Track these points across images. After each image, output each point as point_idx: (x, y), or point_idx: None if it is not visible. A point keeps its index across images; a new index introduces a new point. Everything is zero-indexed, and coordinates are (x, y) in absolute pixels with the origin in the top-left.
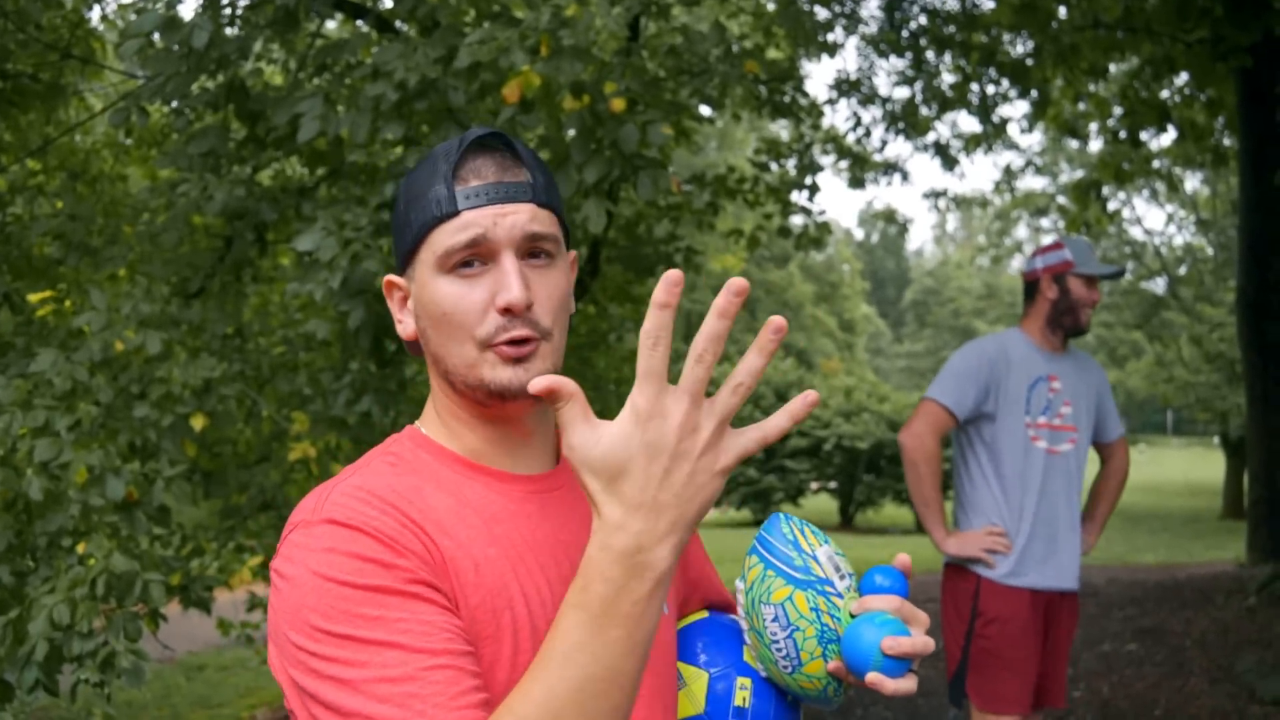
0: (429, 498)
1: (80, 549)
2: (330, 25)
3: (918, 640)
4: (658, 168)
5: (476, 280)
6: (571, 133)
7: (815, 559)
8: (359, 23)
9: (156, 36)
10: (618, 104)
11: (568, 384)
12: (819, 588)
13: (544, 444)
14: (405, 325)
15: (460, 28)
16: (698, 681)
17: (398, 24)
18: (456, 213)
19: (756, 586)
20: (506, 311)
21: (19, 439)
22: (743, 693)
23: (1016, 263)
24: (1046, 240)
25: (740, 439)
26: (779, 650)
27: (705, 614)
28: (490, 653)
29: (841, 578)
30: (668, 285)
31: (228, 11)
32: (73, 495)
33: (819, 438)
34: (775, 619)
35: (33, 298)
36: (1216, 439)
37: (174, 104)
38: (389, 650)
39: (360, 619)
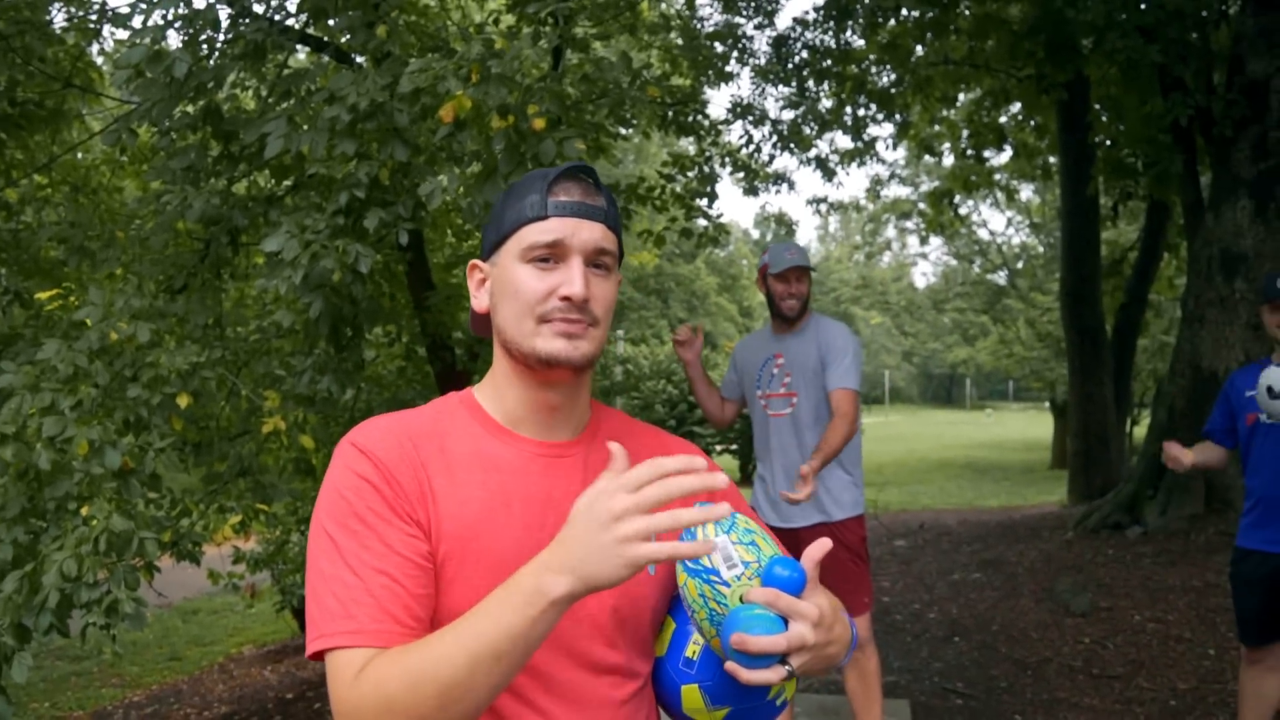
0: (448, 441)
1: (84, 511)
2: (299, 56)
3: (766, 640)
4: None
5: (548, 273)
6: (499, 147)
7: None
8: (321, 55)
9: (144, 68)
10: (539, 123)
11: (621, 454)
12: (704, 576)
13: (570, 417)
14: (479, 300)
15: (405, 59)
16: (668, 629)
17: (354, 56)
18: (546, 216)
19: (678, 572)
20: (566, 300)
21: (29, 417)
22: (694, 646)
23: (886, 258)
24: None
25: (653, 548)
26: (694, 628)
27: None
28: (452, 572)
29: (731, 566)
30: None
31: (205, 46)
32: (76, 465)
33: None
34: (685, 600)
35: (41, 295)
36: (1047, 404)
37: (159, 126)
38: (355, 555)
39: (345, 527)
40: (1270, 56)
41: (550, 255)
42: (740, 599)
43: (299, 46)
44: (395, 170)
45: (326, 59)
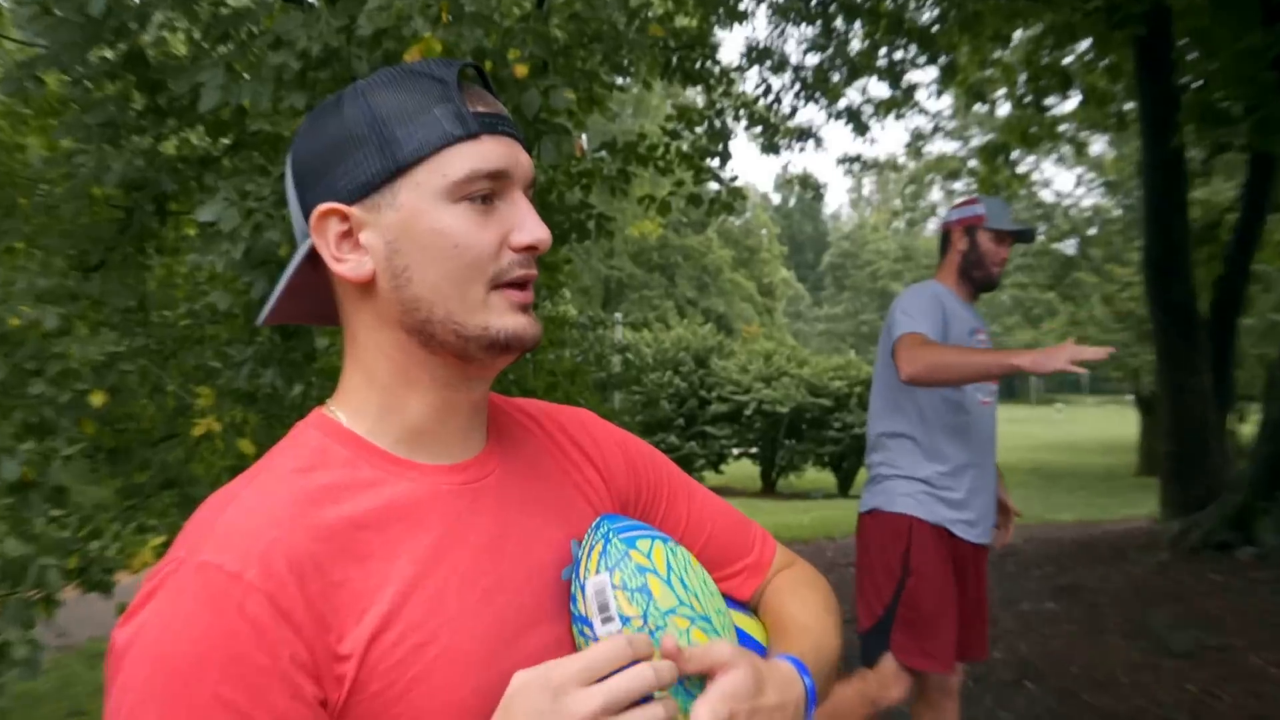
0: (344, 508)
1: None
2: None
3: None
4: (561, 133)
5: (489, 214)
6: None
7: (582, 589)
8: None
9: (52, 4)
10: (520, 70)
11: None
12: (579, 626)
13: (482, 418)
14: (353, 264)
15: None
16: None
17: None
18: (477, 135)
19: None
20: (529, 250)
21: None
22: None
23: (932, 225)
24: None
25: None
26: None
27: None
28: (412, 678)
29: (606, 620)
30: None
31: None
32: None
33: (739, 403)
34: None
35: None
36: (1130, 397)
37: (72, 73)
38: None
39: None
40: None
41: (490, 191)
42: None
43: None
44: None
45: None
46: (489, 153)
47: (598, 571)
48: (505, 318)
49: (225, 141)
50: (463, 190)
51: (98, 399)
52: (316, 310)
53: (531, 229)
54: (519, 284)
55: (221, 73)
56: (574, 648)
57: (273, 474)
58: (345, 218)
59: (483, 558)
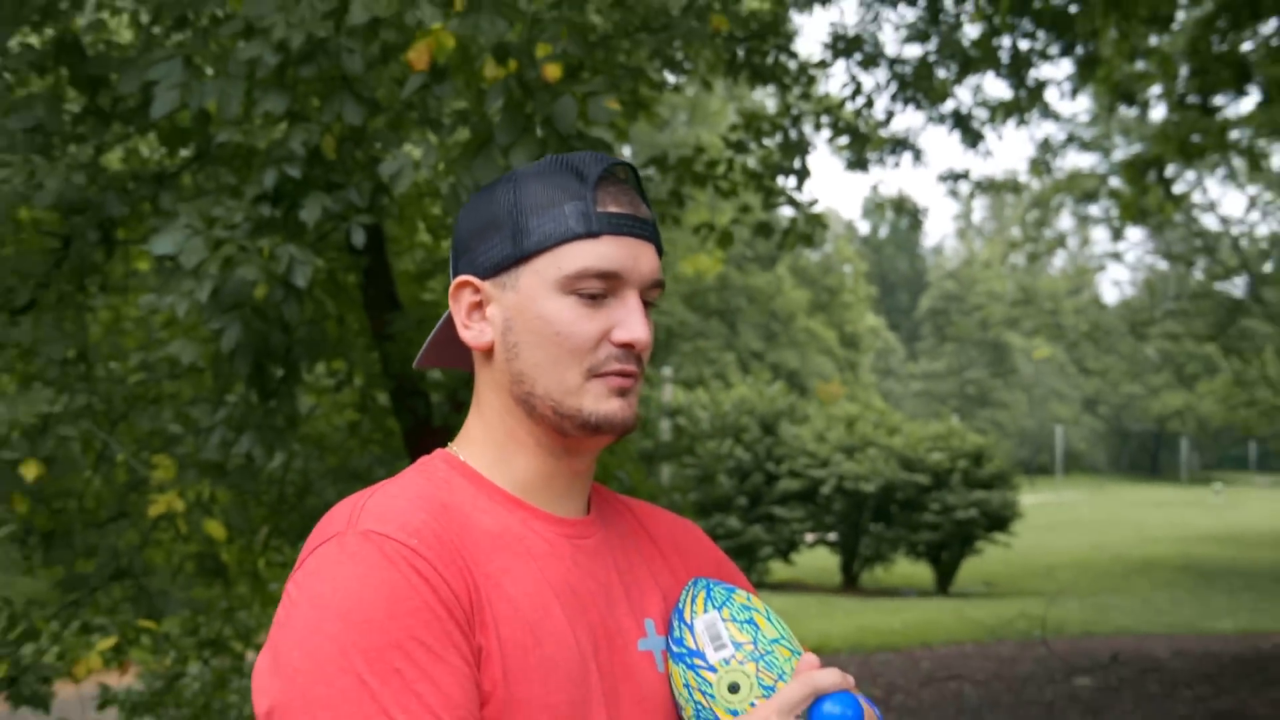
0: (471, 519)
1: None
2: None
3: None
4: (603, 150)
5: (597, 310)
6: (495, 106)
7: (690, 628)
8: None
9: None
10: (552, 71)
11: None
12: (688, 661)
13: (585, 488)
14: (476, 333)
15: None
16: None
17: None
18: (598, 235)
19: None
20: (626, 347)
21: None
22: None
23: (1059, 261)
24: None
25: None
26: None
27: None
28: (523, 691)
29: (719, 648)
30: None
31: None
32: None
33: (815, 479)
34: (673, 692)
35: None
36: None
37: None
38: (398, 709)
39: (376, 668)
40: None
41: (604, 290)
42: (729, 688)
43: None
44: (345, 138)
45: None
46: (606, 253)
47: (705, 611)
48: (600, 403)
49: (185, 154)
50: (573, 285)
51: (31, 471)
52: (466, 361)
53: (632, 328)
54: (617, 375)
55: (179, 68)
56: (667, 684)
57: (403, 484)
58: (477, 290)
59: (577, 602)
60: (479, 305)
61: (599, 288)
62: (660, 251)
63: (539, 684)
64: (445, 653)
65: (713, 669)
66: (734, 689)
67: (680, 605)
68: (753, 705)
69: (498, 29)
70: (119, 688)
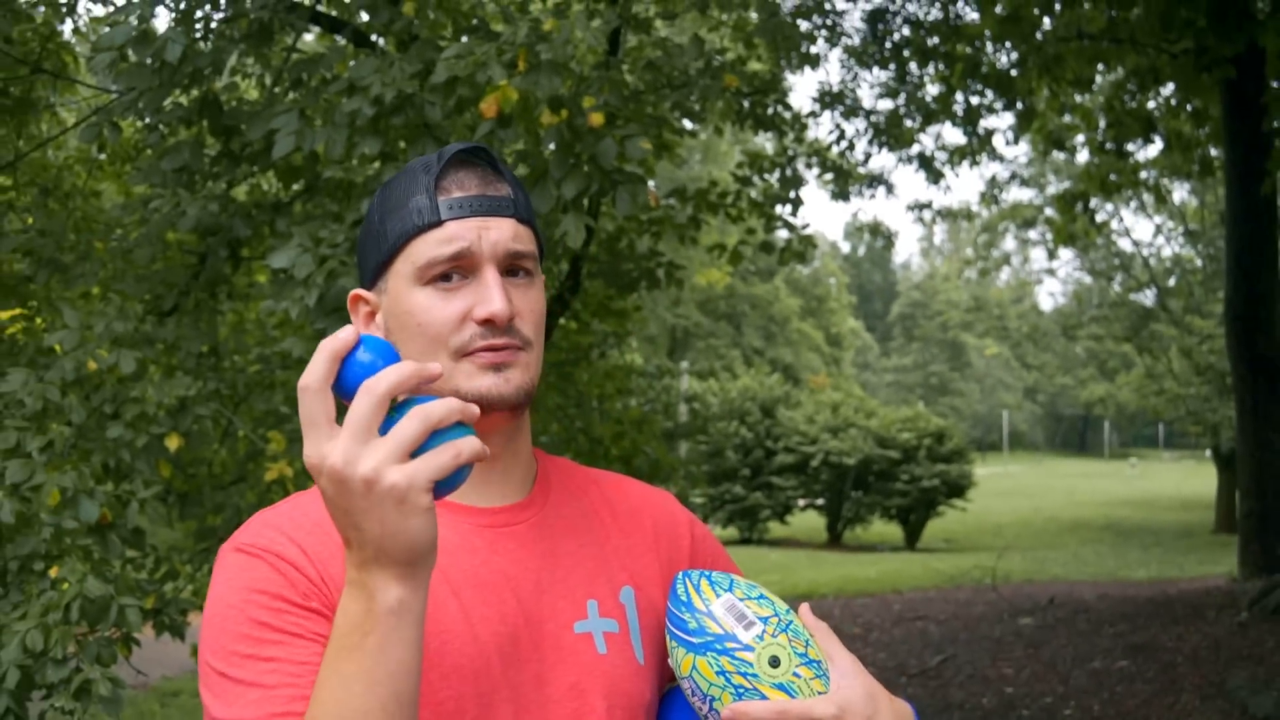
0: None
1: (53, 573)
2: (308, 39)
3: None
4: (636, 182)
5: (455, 293)
6: (550, 147)
7: (710, 615)
8: (337, 37)
9: (129, 50)
10: (596, 119)
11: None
12: (719, 647)
13: (511, 474)
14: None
15: (437, 42)
16: None
17: (375, 39)
18: (440, 223)
19: (672, 660)
20: (487, 323)
21: None
22: None
23: (1004, 275)
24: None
25: (415, 468)
26: None
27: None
28: None
29: (748, 626)
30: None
31: (201, 25)
32: (45, 518)
33: (806, 454)
34: (693, 692)
35: (2, 315)
36: (1208, 452)
37: (147, 119)
38: (252, 689)
39: (235, 656)
40: None
41: (454, 270)
42: (770, 662)
43: (310, 27)
44: None
45: (343, 42)
46: (449, 237)
47: (718, 595)
48: (472, 381)
49: (297, 187)
50: (425, 275)
51: (173, 442)
52: None
53: (489, 303)
54: (485, 351)
55: (295, 119)
56: (609, 665)
57: (306, 496)
58: (367, 301)
59: (491, 590)
60: (371, 315)
61: (449, 269)
62: (528, 223)
63: (427, 680)
64: (299, 630)
65: (749, 648)
66: (774, 663)
67: (683, 598)
68: (796, 675)
69: (552, 85)
70: None
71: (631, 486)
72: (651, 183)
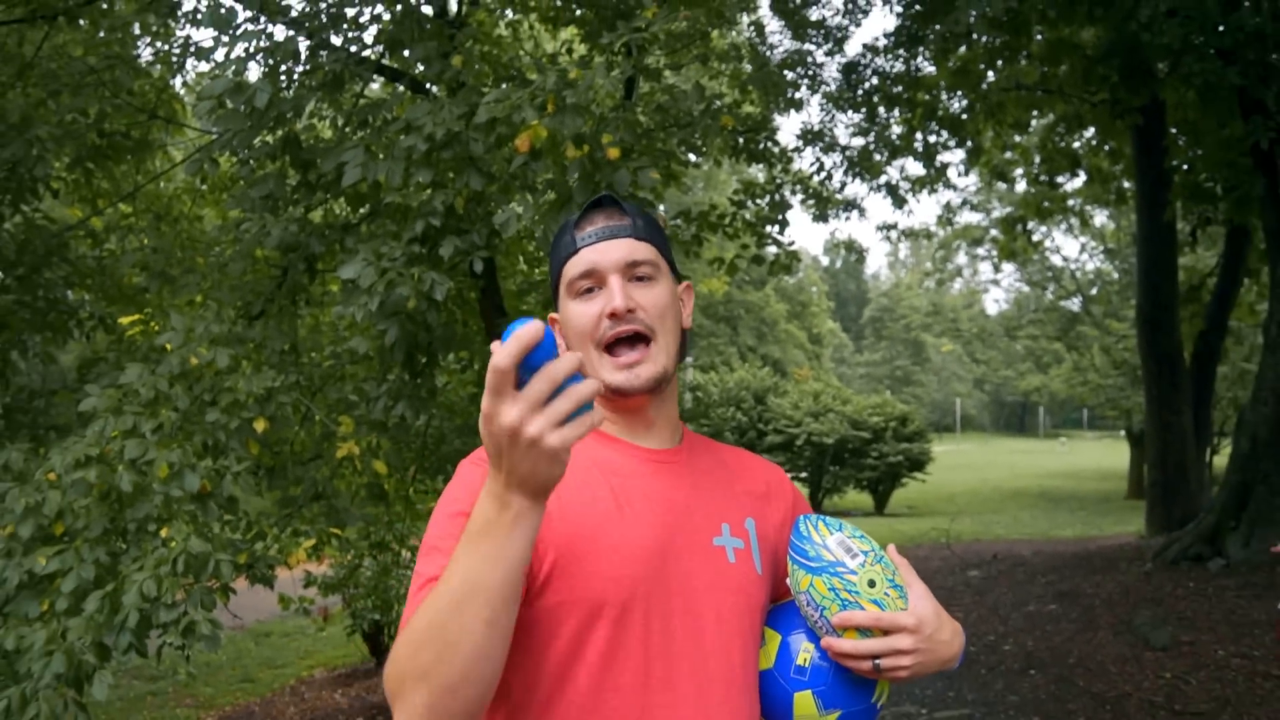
0: (576, 451)
1: (163, 533)
2: (374, 87)
3: (858, 644)
4: (648, 206)
5: (593, 299)
6: (574, 176)
7: (826, 547)
8: (397, 85)
9: (226, 99)
10: (613, 152)
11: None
12: (832, 570)
13: (664, 429)
14: (563, 348)
15: (480, 89)
16: (772, 641)
17: (429, 86)
18: (576, 251)
19: (792, 580)
20: (613, 315)
21: (111, 440)
22: (805, 654)
23: (957, 285)
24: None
25: (565, 433)
26: (820, 626)
27: None
28: (573, 565)
29: (853, 556)
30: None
31: (285, 77)
32: (156, 488)
33: (792, 435)
34: (809, 603)
35: (123, 320)
36: (1123, 433)
37: (240, 155)
38: (440, 556)
39: (439, 533)
40: None
41: (591, 284)
42: (869, 583)
43: (375, 77)
44: (470, 199)
45: (402, 89)
46: (582, 261)
47: (831, 533)
48: (612, 374)
49: (363, 211)
50: (573, 290)
51: (261, 425)
52: None
53: (609, 299)
54: (616, 342)
55: (361, 153)
56: (738, 571)
57: None
58: (555, 320)
59: (655, 504)
60: (561, 329)
61: (587, 284)
62: (648, 240)
63: (607, 561)
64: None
65: (854, 572)
66: (871, 584)
67: (805, 534)
68: (886, 594)
69: (576, 124)
70: (318, 573)
71: (752, 456)
72: (661, 206)
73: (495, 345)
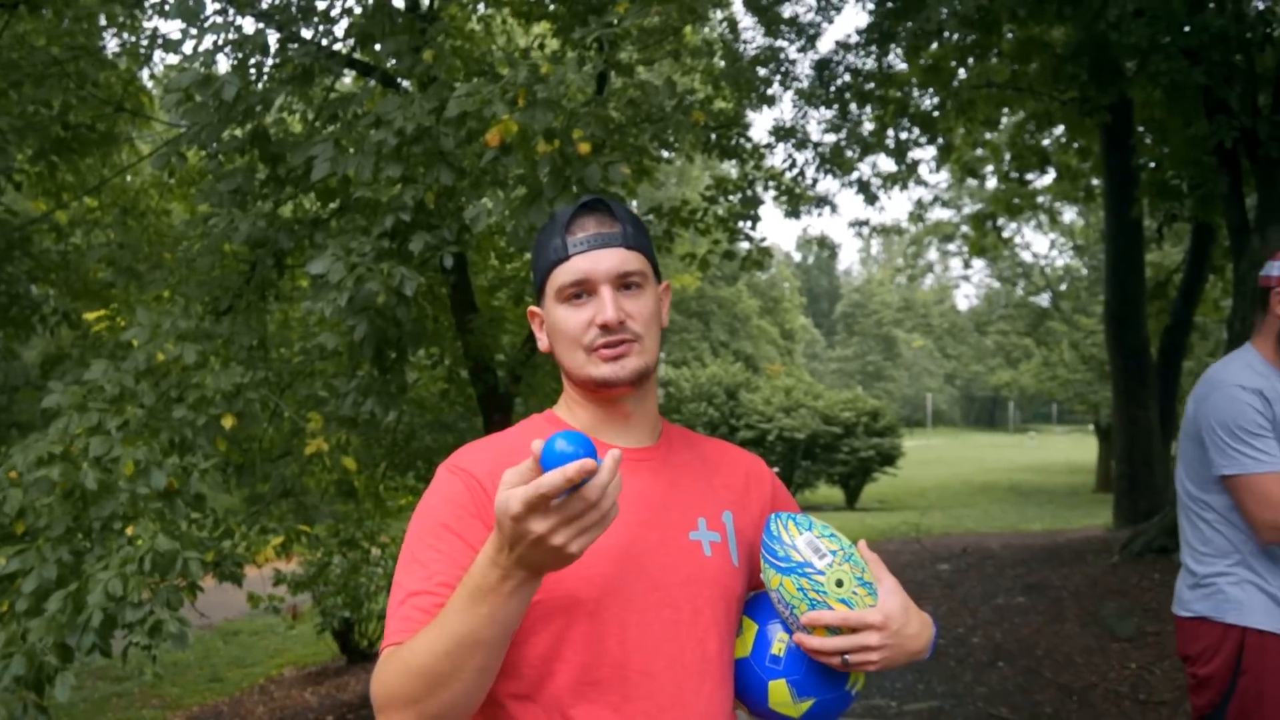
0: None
1: (129, 531)
2: (345, 81)
3: (826, 642)
4: (616, 198)
5: (583, 306)
6: (544, 171)
7: (795, 547)
8: (368, 79)
9: (194, 91)
10: (584, 147)
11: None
12: (800, 571)
13: (643, 426)
14: (542, 341)
15: (451, 84)
16: (750, 630)
17: (401, 81)
18: (567, 257)
19: (765, 577)
20: (604, 326)
21: (76, 437)
22: (779, 644)
23: (929, 281)
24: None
25: (582, 540)
26: (792, 622)
27: None
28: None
29: (821, 556)
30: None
31: (254, 70)
32: (122, 485)
33: (763, 430)
34: (779, 601)
35: (88, 316)
36: (1091, 427)
37: (208, 149)
38: (421, 567)
39: (420, 544)
40: None
41: (581, 291)
42: (837, 583)
43: (346, 71)
44: (440, 194)
45: (373, 83)
46: (574, 269)
47: (801, 533)
48: (598, 369)
49: (333, 206)
50: (562, 296)
51: (228, 422)
52: None
53: (602, 313)
54: (605, 347)
55: (331, 147)
56: (713, 566)
57: (499, 434)
58: (538, 314)
59: (631, 502)
60: (542, 323)
61: (576, 291)
62: (639, 249)
63: (581, 561)
64: (460, 532)
65: (821, 573)
66: (839, 584)
67: (775, 534)
68: (854, 593)
69: (546, 119)
70: (287, 571)
71: (732, 447)
72: (634, 202)
73: (535, 445)
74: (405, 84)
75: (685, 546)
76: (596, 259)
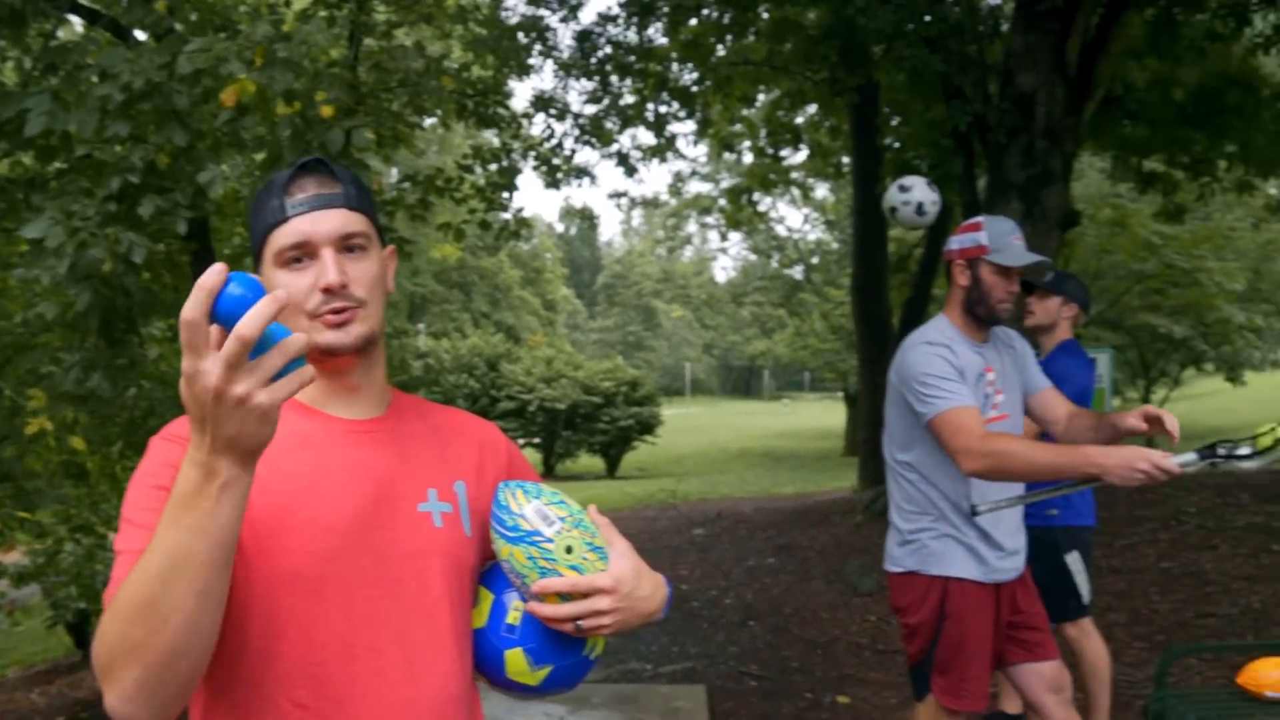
0: None
1: None
2: (77, 29)
3: (557, 609)
4: (362, 168)
5: (304, 271)
6: (285, 134)
7: (523, 516)
8: (95, 27)
9: None
10: (326, 110)
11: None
12: (529, 540)
13: (369, 396)
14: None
15: (187, 37)
16: (485, 600)
17: (134, 31)
18: (286, 219)
19: (495, 548)
20: (327, 290)
21: None
22: (515, 613)
23: (688, 253)
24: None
25: (276, 390)
26: (525, 591)
27: None
28: (275, 540)
29: (550, 524)
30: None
31: None
32: None
33: (524, 400)
34: (510, 571)
35: None
36: (841, 394)
37: None
38: (136, 530)
39: (135, 508)
40: (1035, 71)
41: (301, 254)
42: (566, 549)
43: (69, 16)
44: (175, 155)
45: (99, 32)
46: (294, 230)
47: (529, 501)
48: (323, 335)
49: (57, 165)
50: (281, 259)
51: None
52: None
53: (324, 276)
54: (330, 312)
55: (48, 100)
56: (442, 537)
57: None
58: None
59: (356, 475)
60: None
61: (296, 254)
62: (361, 209)
63: (302, 535)
64: (164, 494)
65: (550, 540)
66: (569, 550)
67: (503, 503)
68: (584, 559)
69: (286, 80)
70: (9, 562)
71: (466, 416)
72: (394, 170)
73: (191, 310)
74: (141, 35)
75: (414, 518)
76: (317, 220)
